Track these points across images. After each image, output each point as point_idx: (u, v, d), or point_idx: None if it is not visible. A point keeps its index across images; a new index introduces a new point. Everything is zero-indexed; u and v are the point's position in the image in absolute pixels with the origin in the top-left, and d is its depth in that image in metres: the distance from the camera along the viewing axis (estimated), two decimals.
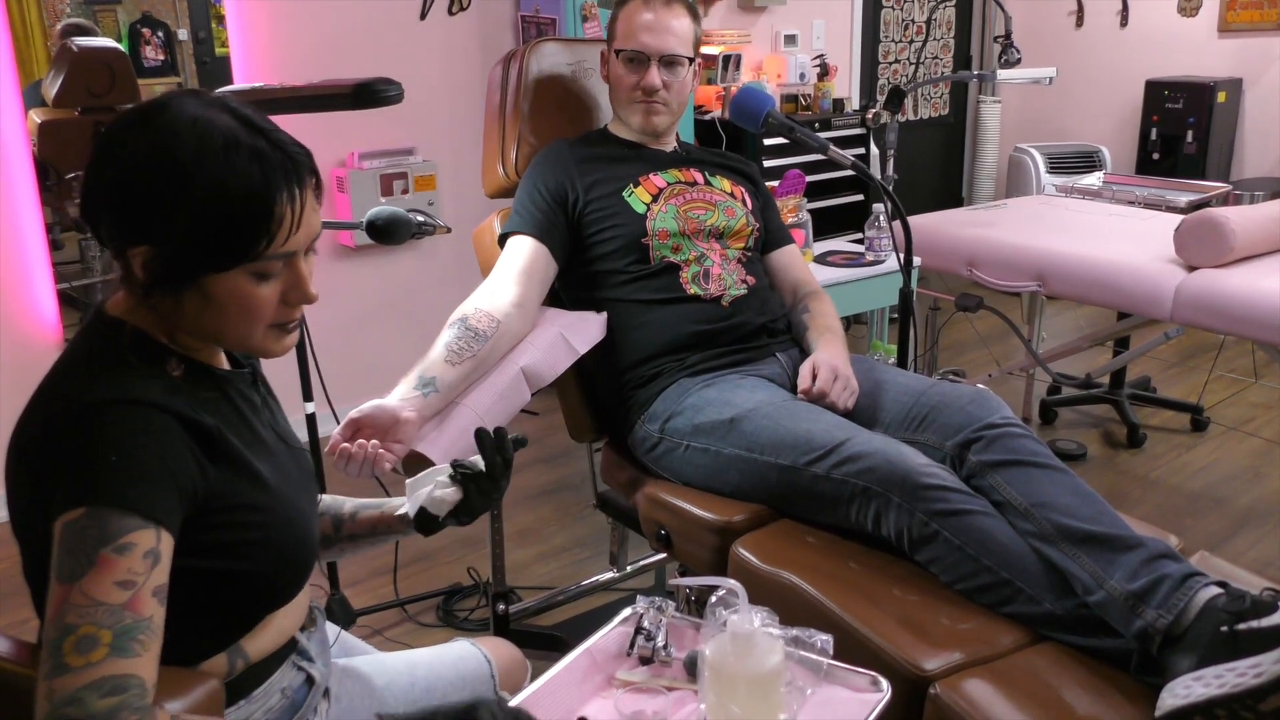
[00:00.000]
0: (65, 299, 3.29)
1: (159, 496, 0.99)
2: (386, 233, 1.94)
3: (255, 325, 1.10)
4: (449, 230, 2.11)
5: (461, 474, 1.30)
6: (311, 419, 2.38)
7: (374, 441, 1.56)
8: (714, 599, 1.15)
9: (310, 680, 1.27)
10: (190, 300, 1.07)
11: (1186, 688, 1.29)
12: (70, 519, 0.96)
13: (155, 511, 0.98)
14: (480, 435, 1.32)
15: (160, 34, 3.44)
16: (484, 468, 1.31)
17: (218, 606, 1.12)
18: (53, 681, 0.91)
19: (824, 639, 1.20)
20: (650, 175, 2.05)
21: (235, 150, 1.03)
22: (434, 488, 1.31)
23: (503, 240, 2.02)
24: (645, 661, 1.29)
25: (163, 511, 0.99)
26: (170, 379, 1.09)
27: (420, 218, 1.98)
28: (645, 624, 1.30)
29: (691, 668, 1.24)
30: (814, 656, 1.21)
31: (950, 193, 6.43)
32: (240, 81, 3.50)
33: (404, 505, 1.35)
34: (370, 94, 1.87)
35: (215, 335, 1.12)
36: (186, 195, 1.02)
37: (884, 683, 1.21)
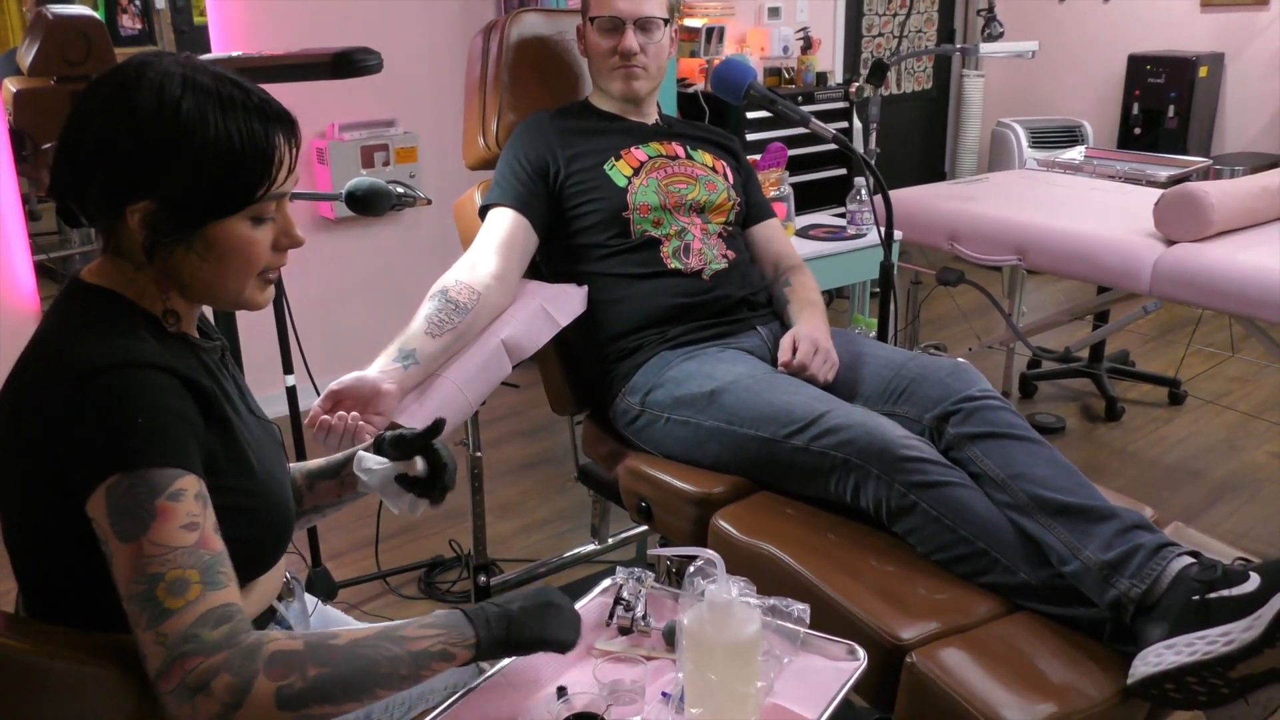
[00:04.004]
0: (42, 270, 3.27)
1: (188, 448, 1.03)
2: (366, 204, 1.93)
3: (250, 273, 1.13)
4: (429, 202, 2.10)
5: (415, 485, 1.34)
6: (291, 391, 2.37)
7: (354, 414, 1.56)
8: (692, 569, 1.16)
9: None
10: (195, 251, 1.09)
11: (1158, 655, 1.32)
12: (112, 484, 0.98)
13: (189, 462, 1.02)
14: (415, 448, 1.34)
15: (138, 2, 3.40)
16: (425, 474, 1.35)
17: None
18: (160, 628, 0.94)
19: (800, 608, 1.22)
20: (632, 148, 2.05)
21: (230, 102, 1.05)
22: (406, 499, 1.34)
23: (483, 212, 2.01)
24: (624, 631, 1.30)
25: (194, 461, 1.03)
26: (164, 341, 1.10)
27: (400, 189, 1.97)
28: (624, 594, 1.31)
29: (670, 637, 1.25)
30: (790, 626, 1.22)
31: (933, 166, 6.43)
32: (218, 50, 3.46)
33: (359, 477, 1.35)
34: (349, 63, 1.85)
35: (212, 288, 1.13)
36: (190, 147, 1.03)
37: (860, 651, 1.22)
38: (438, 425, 1.36)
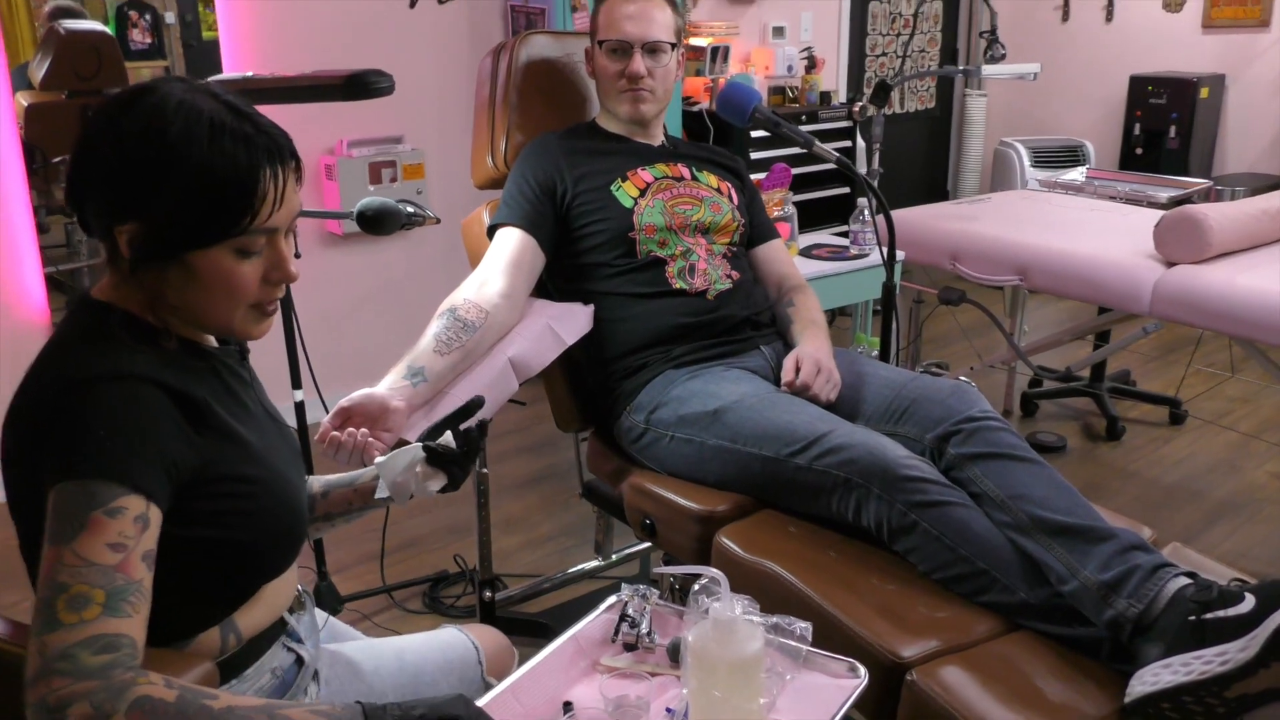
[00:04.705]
0: (52, 283, 3.30)
1: (146, 469, 1.02)
2: (376, 223, 1.96)
3: (237, 304, 1.14)
4: (438, 221, 2.13)
5: (439, 457, 1.36)
6: (300, 407, 2.39)
7: (363, 430, 1.58)
8: (696, 587, 1.18)
9: (300, 661, 1.30)
10: (175, 277, 1.10)
11: (1155, 675, 1.33)
12: (62, 487, 0.99)
13: (143, 482, 1.01)
14: (449, 424, 1.39)
15: (147, 17, 3.44)
16: (457, 448, 1.37)
17: (212, 576, 1.16)
18: (45, 637, 0.93)
19: (803, 626, 1.24)
20: (638, 169, 2.08)
21: (221, 131, 1.07)
22: (416, 475, 1.35)
23: (491, 231, 2.04)
24: (629, 648, 1.32)
25: (150, 483, 1.02)
26: (162, 353, 1.12)
27: (410, 208, 2.00)
28: (630, 611, 1.33)
29: (674, 654, 1.27)
30: (793, 644, 1.24)
31: (936, 185, 6.47)
32: (228, 66, 3.50)
33: (376, 484, 1.39)
34: (362, 85, 1.88)
35: (198, 314, 1.14)
36: (173, 173, 1.05)
37: (861, 669, 1.24)
38: (476, 401, 1.39)
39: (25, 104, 3.21)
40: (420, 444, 1.36)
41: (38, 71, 3.24)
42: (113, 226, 1.08)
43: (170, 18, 3.46)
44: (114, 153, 1.06)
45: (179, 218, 1.06)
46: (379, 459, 1.38)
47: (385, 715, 1.01)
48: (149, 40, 3.46)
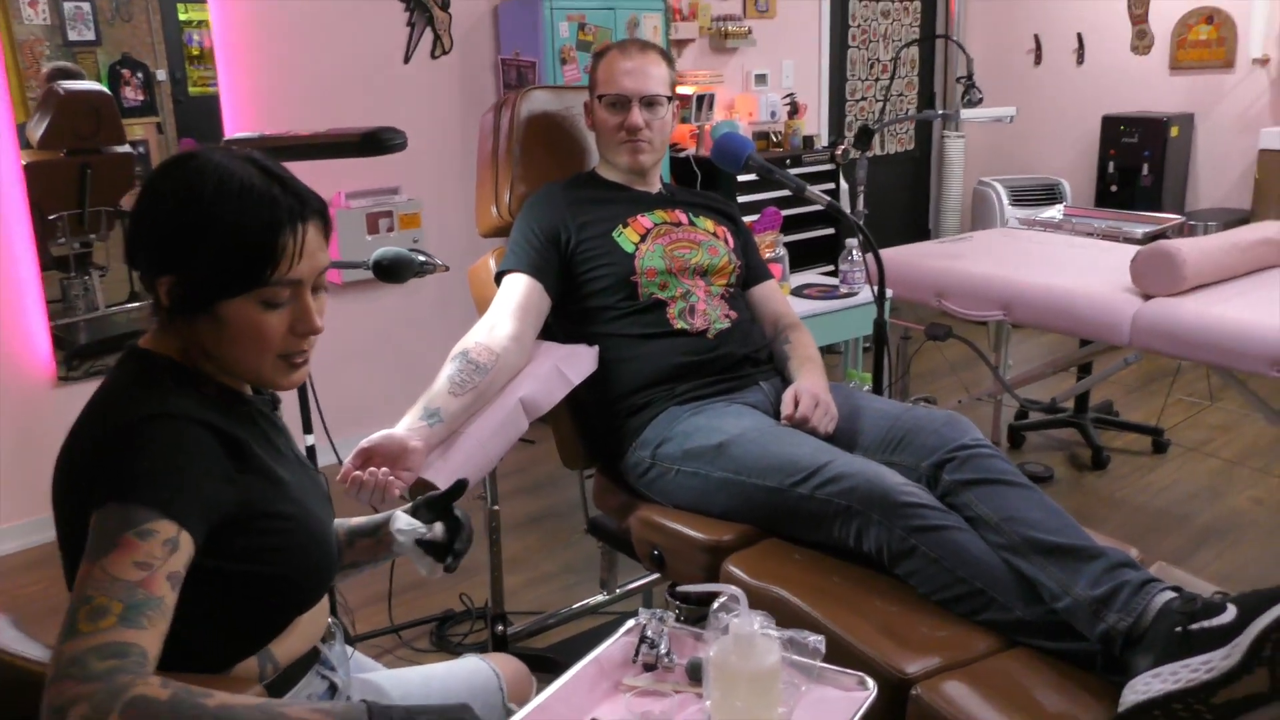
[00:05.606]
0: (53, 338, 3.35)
1: (184, 500, 1.09)
2: (392, 272, 2.04)
3: (265, 353, 1.21)
4: (447, 269, 2.21)
5: (432, 549, 1.46)
6: (311, 451, 2.45)
7: (384, 470, 1.65)
8: (716, 605, 1.25)
9: (333, 688, 1.36)
10: (206, 326, 1.19)
11: (1146, 684, 1.40)
12: (103, 510, 1.06)
13: (177, 512, 1.08)
14: (437, 511, 1.48)
15: (139, 75, 3.53)
16: (445, 538, 1.47)
17: (250, 608, 1.22)
18: (62, 645, 0.99)
19: (816, 639, 1.30)
20: (638, 216, 2.17)
21: (249, 192, 1.16)
22: (424, 562, 1.47)
23: (499, 278, 2.12)
24: (649, 668, 1.38)
25: (185, 514, 1.08)
26: (204, 397, 1.20)
27: (422, 258, 2.08)
28: (648, 633, 1.40)
29: (693, 673, 1.34)
30: (806, 660, 1.31)
31: (918, 224, 6.60)
32: (228, 121, 3.59)
33: (396, 535, 1.47)
34: (377, 142, 1.97)
35: (229, 363, 1.22)
36: (206, 230, 1.15)
37: (870, 682, 1.31)
38: (460, 486, 1.47)
39: (24, 163, 3.29)
40: (414, 541, 1.46)
41: (35, 131, 3.33)
42: (155, 279, 1.17)
43: (161, 75, 3.55)
44: (155, 212, 1.17)
45: (208, 271, 1.15)
46: (396, 535, 1.46)
47: (391, 714, 1.05)
48: (141, 97, 3.55)
